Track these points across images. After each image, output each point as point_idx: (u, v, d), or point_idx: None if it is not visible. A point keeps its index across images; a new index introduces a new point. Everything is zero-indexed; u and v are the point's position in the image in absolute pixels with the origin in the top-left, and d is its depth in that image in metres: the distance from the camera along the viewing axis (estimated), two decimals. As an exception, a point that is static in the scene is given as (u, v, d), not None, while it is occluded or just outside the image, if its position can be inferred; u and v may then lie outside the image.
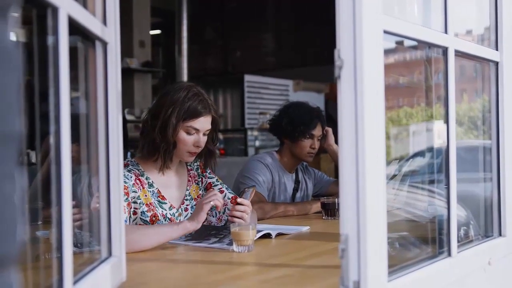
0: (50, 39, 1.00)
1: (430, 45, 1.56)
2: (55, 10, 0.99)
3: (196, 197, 2.37)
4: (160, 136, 2.17)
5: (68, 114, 1.01)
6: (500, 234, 1.80)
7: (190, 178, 2.38)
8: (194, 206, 2.32)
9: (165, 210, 2.23)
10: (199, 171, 2.42)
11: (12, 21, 0.53)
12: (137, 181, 2.17)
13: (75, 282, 1.06)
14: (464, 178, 1.58)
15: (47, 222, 1.20)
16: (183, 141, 2.20)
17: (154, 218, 2.17)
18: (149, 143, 2.21)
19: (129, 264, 1.45)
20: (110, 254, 1.36)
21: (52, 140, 1.00)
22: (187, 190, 2.35)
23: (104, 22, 1.34)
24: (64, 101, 1.00)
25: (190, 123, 2.18)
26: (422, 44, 1.59)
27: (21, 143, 0.53)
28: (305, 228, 2.34)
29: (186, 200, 2.34)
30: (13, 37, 0.53)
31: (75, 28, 1.09)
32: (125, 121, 4.37)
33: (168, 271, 1.70)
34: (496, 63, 1.80)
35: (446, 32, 1.51)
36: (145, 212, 2.16)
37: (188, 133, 2.20)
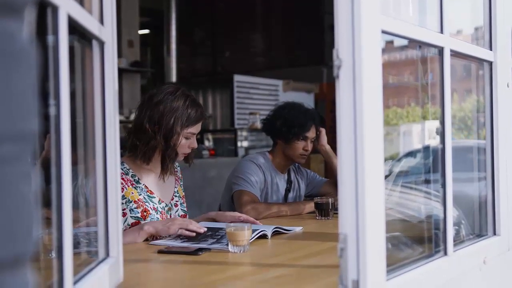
0: (49, 38, 1.00)
1: (427, 45, 1.57)
2: (55, 9, 0.98)
3: (182, 196, 2.44)
4: (164, 144, 2.22)
5: (68, 114, 1.00)
6: (494, 233, 1.81)
7: (177, 178, 2.45)
8: (183, 204, 2.42)
9: (155, 204, 2.26)
10: (181, 176, 2.50)
11: (27, 21, 0.52)
12: (121, 179, 2.18)
13: (74, 283, 1.06)
14: (456, 178, 1.58)
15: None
16: (182, 146, 2.27)
17: (145, 213, 2.21)
18: (151, 150, 2.23)
19: (126, 265, 1.44)
20: (107, 254, 1.35)
21: (51, 140, 0.99)
22: (175, 187, 2.41)
23: (101, 21, 1.33)
24: (64, 101, 0.99)
25: (191, 129, 2.27)
26: (412, 44, 1.59)
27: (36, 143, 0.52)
28: (298, 229, 2.34)
29: (176, 196, 2.39)
30: (28, 36, 0.52)
31: (72, 27, 1.09)
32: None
33: (165, 272, 1.69)
34: (490, 63, 1.81)
35: (441, 32, 1.52)
36: (134, 209, 2.18)
37: (187, 138, 2.27)
